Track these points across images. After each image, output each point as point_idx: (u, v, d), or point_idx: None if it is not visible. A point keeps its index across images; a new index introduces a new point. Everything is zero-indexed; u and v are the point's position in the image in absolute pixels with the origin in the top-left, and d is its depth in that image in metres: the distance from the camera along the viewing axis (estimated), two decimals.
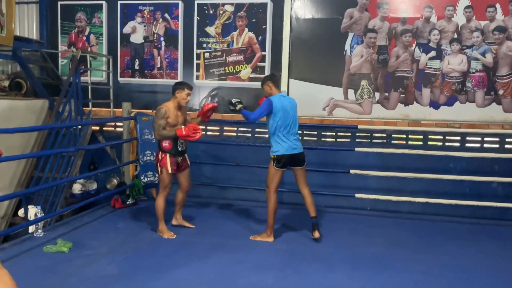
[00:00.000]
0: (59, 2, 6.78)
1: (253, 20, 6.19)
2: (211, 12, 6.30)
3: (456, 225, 5.18)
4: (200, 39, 6.36)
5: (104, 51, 6.69)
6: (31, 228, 4.39)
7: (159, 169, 4.40)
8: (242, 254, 3.99)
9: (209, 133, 6.37)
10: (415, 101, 5.81)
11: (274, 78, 4.42)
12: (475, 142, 5.70)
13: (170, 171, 4.35)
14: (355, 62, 5.91)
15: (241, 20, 6.21)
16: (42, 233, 4.33)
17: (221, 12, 6.28)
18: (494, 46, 5.59)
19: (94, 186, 6.39)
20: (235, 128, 6.27)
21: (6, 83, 6.36)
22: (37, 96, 6.17)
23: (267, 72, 6.14)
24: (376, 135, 5.90)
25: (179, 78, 6.44)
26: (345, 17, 5.89)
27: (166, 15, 6.46)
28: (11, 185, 5.58)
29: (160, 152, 4.39)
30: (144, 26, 6.54)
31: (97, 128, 6.55)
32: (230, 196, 6.10)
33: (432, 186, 5.51)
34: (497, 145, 5.63)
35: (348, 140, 5.97)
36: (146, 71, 6.57)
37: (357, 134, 5.90)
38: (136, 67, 6.60)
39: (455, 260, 4.03)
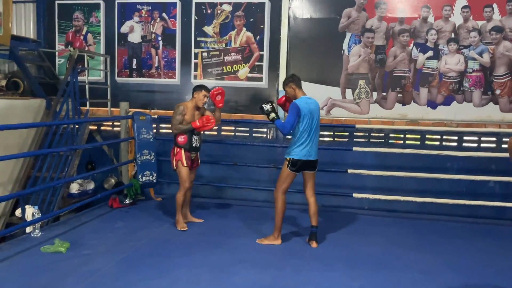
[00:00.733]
0: (57, 1, 6.76)
1: (251, 20, 6.19)
2: (209, 11, 6.30)
3: (453, 224, 5.20)
4: (198, 39, 6.36)
5: (102, 51, 6.68)
6: (29, 228, 4.38)
7: (174, 163, 4.64)
8: (240, 253, 3.99)
9: (207, 132, 6.36)
10: (412, 101, 5.83)
11: (296, 79, 4.18)
12: (472, 142, 5.72)
13: (185, 164, 4.58)
14: (352, 61, 5.92)
15: (239, 19, 6.21)
16: (40, 233, 4.32)
17: (219, 11, 6.27)
18: (491, 46, 5.61)
19: (92, 185, 6.37)
20: (233, 128, 6.27)
21: (3, 83, 6.33)
22: (35, 96, 6.14)
23: (265, 71, 6.15)
24: (373, 134, 5.92)
25: (177, 78, 6.44)
26: (343, 16, 5.90)
27: (164, 14, 6.45)
28: (8, 185, 5.55)
29: (176, 147, 4.63)
30: (142, 25, 6.53)
31: (95, 127, 6.54)
32: (228, 195, 6.11)
33: (430, 185, 5.53)
34: (494, 145, 5.65)
35: (346, 139, 5.99)
36: (143, 70, 6.56)
37: (354, 133, 5.92)
38: (134, 66, 6.59)
39: (453, 259, 4.04)
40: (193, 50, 6.38)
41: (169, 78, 6.48)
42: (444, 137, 5.78)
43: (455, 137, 5.75)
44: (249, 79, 6.23)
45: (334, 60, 5.95)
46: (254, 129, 6.16)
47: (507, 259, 4.10)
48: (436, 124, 5.71)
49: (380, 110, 5.90)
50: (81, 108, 6.07)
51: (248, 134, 6.22)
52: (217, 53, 6.32)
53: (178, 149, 4.61)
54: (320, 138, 6.03)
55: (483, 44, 5.63)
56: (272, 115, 4.19)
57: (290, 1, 6.01)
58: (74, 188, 6.09)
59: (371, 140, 5.92)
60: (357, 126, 5.65)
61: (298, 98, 4.14)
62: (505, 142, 5.61)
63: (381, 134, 5.90)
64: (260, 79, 6.20)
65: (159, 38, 6.49)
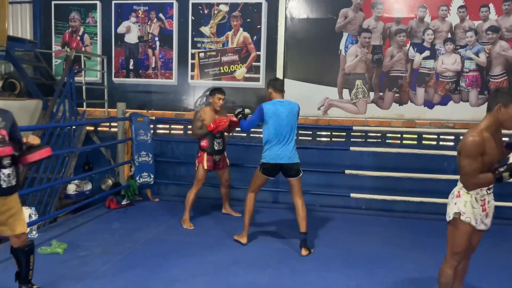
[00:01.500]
0: (53, 2, 6.75)
1: (248, 20, 6.19)
2: (206, 11, 6.29)
3: None
4: (195, 39, 6.36)
5: (98, 51, 6.67)
6: None
7: (196, 165, 4.91)
8: (237, 254, 4.00)
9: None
10: (409, 101, 5.84)
11: (275, 82, 4.18)
12: None
13: (205, 167, 4.82)
14: (349, 61, 5.92)
15: (236, 20, 6.21)
16: (37, 234, 4.31)
17: (215, 12, 6.27)
18: (488, 46, 5.63)
19: (89, 186, 6.37)
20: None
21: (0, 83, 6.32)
22: (31, 97, 6.14)
23: (262, 72, 6.15)
24: (371, 134, 5.92)
25: (174, 78, 6.44)
26: (339, 17, 5.91)
27: (161, 15, 6.44)
28: None
29: (199, 151, 4.91)
30: (139, 26, 6.52)
31: (92, 128, 6.53)
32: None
33: (427, 185, 5.53)
34: None
35: (343, 139, 5.99)
36: (140, 71, 6.55)
37: (352, 133, 5.92)
38: (131, 67, 6.58)
39: None
40: (190, 51, 6.37)
41: (166, 79, 6.47)
42: (441, 137, 5.79)
43: (452, 137, 5.76)
44: (246, 79, 6.23)
45: (331, 60, 5.96)
46: (252, 130, 6.15)
47: (504, 258, 4.12)
48: (433, 124, 5.73)
49: (377, 110, 5.90)
50: (78, 109, 6.06)
51: (245, 134, 6.22)
52: (214, 53, 6.32)
53: (201, 153, 4.88)
54: (318, 138, 6.06)
55: (480, 44, 5.64)
56: (239, 116, 4.36)
57: (287, 1, 6.02)
58: (71, 189, 6.08)
59: (368, 140, 5.93)
60: (354, 127, 5.65)
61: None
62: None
63: (378, 134, 5.91)
64: (257, 80, 6.21)
65: (156, 38, 6.49)
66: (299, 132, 6.07)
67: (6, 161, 2.70)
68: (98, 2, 6.61)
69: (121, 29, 6.58)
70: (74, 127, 5.88)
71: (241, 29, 6.22)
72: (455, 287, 2.92)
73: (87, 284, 3.26)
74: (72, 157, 5.76)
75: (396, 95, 5.86)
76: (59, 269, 3.55)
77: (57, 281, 3.34)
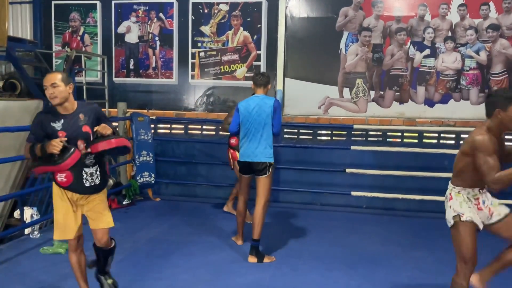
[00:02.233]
0: (53, 2, 6.74)
1: (248, 19, 6.19)
2: (206, 11, 6.29)
3: None
4: (195, 39, 6.35)
5: (99, 51, 6.67)
6: (28, 230, 4.38)
7: (232, 163, 4.91)
8: (239, 253, 4.00)
9: (205, 132, 6.37)
10: (410, 99, 5.84)
11: (255, 77, 3.98)
12: None
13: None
14: (350, 60, 5.92)
15: (236, 19, 6.21)
16: (39, 235, 4.32)
17: (216, 11, 6.27)
18: (488, 44, 5.62)
19: None
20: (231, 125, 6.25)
21: (0, 84, 6.32)
22: (32, 97, 6.13)
23: (263, 71, 6.14)
24: (371, 133, 5.92)
25: (174, 78, 6.44)
26: (340, 15, 5.91)
27: (161, 14, 6.44)
28: (6, 186, 5.54)
29: (229, 149, 4.90)
30: (139, 25, 6.52)
31: None
32: (226, 195, 6.09)
33: (428, 183, 5.53)
34: None
35: (344, 138, 5.99)
36: (141, 70, 6.55)
37: (352, 132, 5.92)
38: (131, 67, 6.58)
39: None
40: (191, 50, 6.37)
41: (166, 78, 6.47)
42: (442, 135, 5.79)
43: (453, 135, 5.76)
44: (246, 78, 6.22)
45: (332, 59, 5.96)
46: None
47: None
48: (433, 122, 5.73)
49: (378, 108, 5.90)
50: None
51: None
52: (214, 52, 6.32)
53: (231, 150, 4.87)
54: (318, 137, 6.06)
55: (480, 42, 5.64)
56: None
57: (287, 0, 6.01)
58: None
59: (369, 138, 5.93)
60: (354, 126, 5.65)
61: None
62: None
63: (379, 133, 5.91)
64: (252, 79, 6.18)
65: (156, 38, 6.48)
66: (300, 131, 6.08)
67: (88, 160, 2.68)
68: (98, 2, 6.61)
69: (121, 29, 6.57)
70: None
71: (241, 28, 6.22)
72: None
73: (89, 284, 3.26)
74: None
75: (396, 93, 5.86)
76: (62, 268, 3.55)
77: (60, 280, 3.35)
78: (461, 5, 5.62)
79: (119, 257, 3.81)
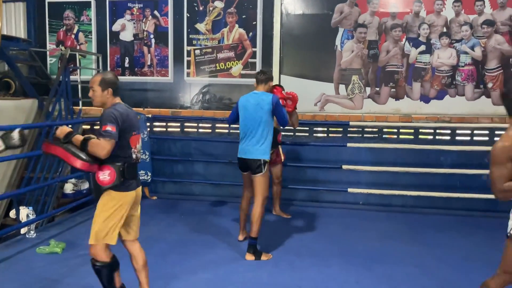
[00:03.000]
0: (47, 0, 6.69)
1: (243, 16, 6.17)
2: (201, 8, 6.27)
3: (447, 218, 5.24)
4: (190, 36, 6.33)
5: (93, 49, 6.63)
6: (24, 229, 4.36)
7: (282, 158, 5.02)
8: (237, 251, 4.00)
9: (201, 130, 6.36)
10: (405, 95, 5.85)
11: (256, 74, 4.03)
12: (465, 135, 5.76)
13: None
14: (345, 57, 5.92)
15: (231, 16, 6.19)
16: (35, 234, 4.30)
17: (211, 8, 6.25)
18: (483, 40, 5.64)
19: (86, 185, 6.33)
20: (227, 125, 6.26)
21: None
22: (26, 96, 6.10)
23: (258, 68, 6.13)
24: (367, 129, 5.93)
25: (170, 76, 6.42)
26: (335, 12, 5.90)
27: (156, 12, 6.41)
28: (1, 186, 5.51)
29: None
30: (134, 23, 6.49)
31: (88, 127, 6.50)
32: (223, 193, 6.11)
33: (424, 179, 5.56)
34: (486, 138, 5.69)
35: (340, 135, 6.00)
36: (136, 69, 6.52)
37: (349, 129, 5.93)
38: (126, 65, 6.55)
39: (447, 252, 4.08)
40: (186, 48, 6.35)
41: (162, 76, 6.45)
42: (438, 131, 5.81)
43: (448, 131, 5.78)
44: (242, 76, 6.22)
45: (327, 56, 5.96)
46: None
47: (499, 250, 4.14)
48: (429, 118, 5.74)
49: (374, 105, 5.91)
50: (74, 107, 6.03)
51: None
52: (210, 50, 6.30)
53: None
54: (315, 134, 6.07)
55: (475, 37, 5.65)
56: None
57: None
58: (69, 188, 6.05)
59: (365, 135, 5.94)
60: (351, 122, 5.66)
61: None
62: (498, 136, 5.65)
63: (375, 129, 5.92)
64: (254, 76, 6.18)
65: (151, 36, 6.46)
66: (296, 128, 6.06)
67: None
68: (92, 0, 6.57)
69: (116, 26, 6.54)
70: (70, 125, 5.85)
71: (236, 25, 6.20)
72: None
73: (88, 283, 3.25)
74: None
75: (392, 90, 5.87)
76: (59, 268, 3.55)
77: (57, 280, 3.34)
78: (456, 1, 5.63)
79: (117, 256, 3.80)
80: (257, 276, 3.48)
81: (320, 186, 5.82)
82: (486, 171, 5.61)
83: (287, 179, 5.51)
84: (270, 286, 3.33)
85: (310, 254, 3.98)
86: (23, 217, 4.53)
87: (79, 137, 2.60)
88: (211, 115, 6.16)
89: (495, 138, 5.65)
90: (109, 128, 2.54)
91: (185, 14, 6.32)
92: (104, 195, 2.66)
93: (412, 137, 5.86)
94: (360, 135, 5.94)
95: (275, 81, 5.99)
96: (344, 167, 5.49)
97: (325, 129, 6.07)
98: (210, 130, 6.32)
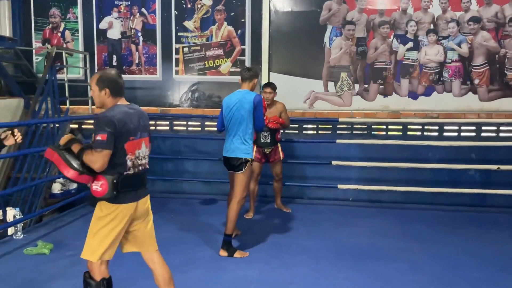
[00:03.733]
0: None
1: (232, 14, 6.15)
2: (189, 6, 6.23)
3: (436, 213, 5.29)
4: (179, 34, 6.29)
5: (80, 48, 6.55)
6: (10, 230, 4.29)
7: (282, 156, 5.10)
8: None
9: (190, 128, 6.33)
10: (394, 92, 5.89)
11: (241, 71, 3.99)
12: (452, 131, 5.82)
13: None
14: (334, 54, 5.94)
15: (220, 13, 6.17)
16: (22, 235, 4.24)
17: (199, 6, 6.21)
18: (469, 37, 5.70)
19: (75, 185, 6.26)
20: (217, 123, 6.23)
21: None
22: (12, 95, 6.01)
23: (247, 65, 6.12)
24: (356, 126, 5.96)
25: (158, 74, 6.37)
26: (323, 9, 5.91)
27: (143, 9, 6.36)
28: None
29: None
30: (121, 21, 6.43)
31: (76, 126, 6.43)
32: (213, 191, 6.09)
33: (412, 175, 5.61)
34: (473, 134, 5.76)
35: (330, 132, 6.02)
36: (124, 67, 6.46)
37: (338, 126, 5.95)
38: (114, 63, 6.48)
39: (437, 247, 4.12)
40: (174, 46, 6.31)
41: (150, 74, 6.40)
42: (426, 127, 5.86)
43: (436, 127, 5.83)
44: (231, 73, 6.20)
45: (316, 53, 5.97)
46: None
47: (490, 244, 4.20)
48: (417, 115, 5.79)
49: (363, 102, 5.94)
50: (61, 106, 5.95)
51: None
52: (198, 48, 6.27)
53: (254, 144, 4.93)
54: (304, 131, 6.08)
55: (462, 34, 5.71)
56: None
57: None
58: (56, 188, 5.98)
59: (354, 132, 5.97)
60: (340, 119, 5.68)
61: None
62: (485, 131, 5.72)
63: (364, 126, 5.95)
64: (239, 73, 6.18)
65: (139, 33, 6.40)
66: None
67: None
68: None
69: (103, 24, 6.47)
70: (57, 125, 5.78)
71: (225, 23, 6.18)
72: None
73: (76, 284, 3.20)
74: None
75: (380, 86, 5.91)
76: (47, 269, 3.50)
77: (45, 281, 3.29)
78: None
79: None
80: (248, 274, 3.47)
81: (310, 183, 5.84)
82: (474, 166, 5.72)
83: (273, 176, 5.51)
84: (261, 283, 3.33)
85: (301, 251, 3.98)
86: (9, 218, 4.46)
87: (78, 146, 2.44)
88: (200, 113, 6.14)
89: (482, 134, 5.72)
90: (99, 137, 2.31)
91: (173, 12, 6.27)
92: (98, 205, 2.47)
93: (400, 133, 5.90)
94: (349, 132, 5.97)
95: (265, 79, 6.01)
96: (334, 162, 5.51)
97: (315, 126, 6.09)
98: (200, 128, 6.29)
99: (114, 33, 6.46)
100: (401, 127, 5.90)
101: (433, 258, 3.84)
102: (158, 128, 6.39)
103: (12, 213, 4.44)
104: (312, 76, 6.00)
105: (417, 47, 5.80)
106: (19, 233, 4.23)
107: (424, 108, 5.81)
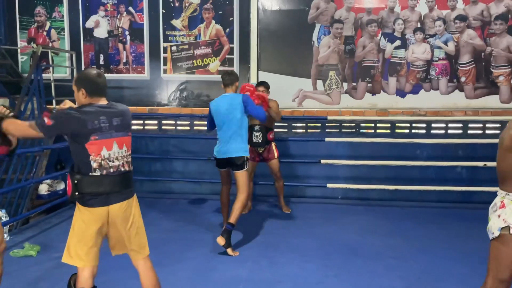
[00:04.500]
0: None
1: (220, 12, 6.12)
2: (177, 4, 6.19)
3: (424, 210, 5.34)
4: (167, 32, 6.25)
5: (67, 47, 6.47)
6: None
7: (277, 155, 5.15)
8: (216, 249, 3.97)
9: (179, 127, 6.29)
10: (382, 90, 5.93)
11: (223, 76, 4.16)
12: (439, 129, 5.87)
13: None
14: (322, 53, 5.95)
15: (208, 12, 6.14)
16: (8, 237, 4.18)
17: (187, 4, 6.18)
18: (456, 35, 5.75)
19: (62, 186, 6.20)
20: (206, 122, 6.19)
21: None
22: None
23: (236, 64, 6.12)
24: (345, 124, 5.99)
25: (146, 73, 6.32)
26: (311, 8, 5.92)
27: (130, 8, 6.30)
28: None
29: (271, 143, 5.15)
30: (108, 20, 6.36)
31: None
32: (202, 190, 6.07)
33: (400, 173, 5.65)
34: (460, 131, 5.82)
35: (318, 130, 6.04)
36: (111, 66, 6.40)
37: (327, 124, 5.98)
38: (101, 62, 6.42)
39: (425, 244, 4.16)
40: (162, 44, 6.26)
41: (138, 74, 6.35)
42: (413, 125, 5.90)
43: (424, 125, 5.88)
44: (220, 72, 6.15)
45: (305, 52, 5.97)
46: None
47: (477, 241, 4.25)
48: (405, 113, 5.83)
49: (351, 100, 5.97)
50: (47, 106, 5.88)
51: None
52: (186, 46, 6.23)
53: (274, 145, 5.13)
54: (293, 130, 6.09)
55: (448, 33, 5.76)
56: None
57: None
58: (44, 189, 5.91)
59: (343, 130, 6.00)
60: (328, 117, 5.70)
61: None
62: (471, 128, 5.79)
63: (352, 124, 5.98)
64: (221, 79, 6.14)
65: (126, 32, 6.34)
66: (274, 124, 6.07)
67: None
68: None
69: (90, 23, 6.40)
70: None
71: (213, 21, 6.15)
72: None
73: (63, 287, 3.18)
74: (43, 156, 5.59)
75: (369, 85, 5.93)
76: (34, 272, 3.46)
77: (32, 284, 3.26)
78: None
79: None
80: (237, 273, 3.47)
81: (299, 182, 5.85)
82: (461, 163, 5.77)
83: (266, 175, 5.51)
84: (250, 282, 3.33)
85: (290, 249, 3.99)
86: None
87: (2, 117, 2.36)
88: (189, 112, 6.11)
89: (469, 131, 5.79)
90: (45, 119, 2.24)
91: (161, 10, 6.23)
92: (76, 207, 2.39)
93: (388, 131, 5.94)
94: (338, 130, 5.99)
95: (253, 78, 6.00)
96: (323, 161, 5.53)
97: (304, 124, 6.10)
98: (189, 128, 6.26)
99: (101, 32, 6.39)
100: (389, 125, 5.94)
101: (420, 254, 3.88)
102: (146, 127, 6.35)
103: None
104: (301, 75, 6.01)
105: (404, 45, 5.83)
106: (5, 235, 4.17)
107: (412, 106, 5.85)
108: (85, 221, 2.35)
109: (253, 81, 5.95)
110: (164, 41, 6.26)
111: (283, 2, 5.99)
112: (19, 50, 6.57)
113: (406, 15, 5.79)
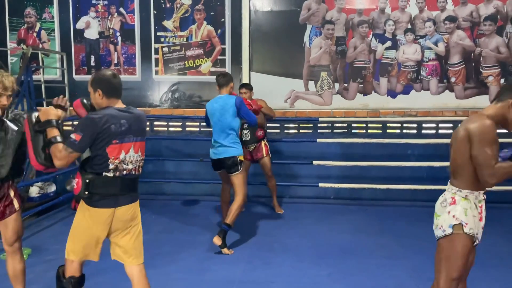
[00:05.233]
0: None
1: (212, 13, 6.12)
2: (168, 5, 6.17)
3: (415, 209, 5.38)
4: (158, 33, 6.23)
5: (57, 48, 6.42)
6: None
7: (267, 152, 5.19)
8: (210, 250, 3.98)
9: (171, 129, 6.28)
10: (373, 91, 5.96)
11: (217, 78, 4.19)
12: (430, 129, 5.92)
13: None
14: (314, 53, 5.98)
15: (199, 13, 6.13)
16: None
17: (178, 5, 6.16)
18: (446, 36, 5.81)
19: (53, 188, 6.14)
20: (198, 123, 6.21)
21: None
22: None
23: (228, 65, 6.11)
24: (337, 125, 6.02)
25: (138, 74, 6.30)
26: (303, 9, 5.94)
27: (121, 9, 6.27)
28: None
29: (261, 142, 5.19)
30: (99, 21, 6.33)
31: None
32: (195, 191, 6.06)
33: (392, 172, 5.68)
34: (450, 131, 5.87)
35: (311, 131, 6.06)
36: (102, 67, 6.36)
37: (318, 124, 6.00)
38: (92, 63, 6.38)
39: (417, 243, 4.18)
40: (153, 45, 6.24)
41: (129, 75, 6.32)
42: (404, 125, 5.95)
43: (415, 125, 5.93)
44: (212, 73, 6.16)
45: (296, 53, 5.99)
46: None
47: None
48: (396, 113, 5.87)
49: (343, 101, 5.99)
50: (38, 108, 5.83)
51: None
52: (178, 47, 6.22)
53: (264, 143, 5.19)
54: (285, 131, 6.10)
55: (438, 33, 5.81)
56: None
57: None
58: (34, 191, 5.84)
59: (335, 130, 6.02)
60: (320, 118, 5.72)
61: None
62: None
63: (344, 125, 6.01)
64: (215, 80, 6.14)
65: (118, 33, 6.32)
66: (267, 124, 6.08)
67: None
68: None
69: (80, 24, 6.36)
70: None
71: (205, 22, 6.15)
72: None
73: None
74: None
75: (360, 85, 5.97)
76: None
77: None
78: None
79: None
80: (231, 274, 3.47)
81: (292, 182, 5.86)
82: None
83: (259, 175, 5.52)
84: (244, 283, 3.33)
85: (283, 249, 4.00)
86: None
87: (54, 132, 2.34)
88: (181, 113, 6.09)
89: None
90: (73, 137, 2.25)
91: (152, 11, 6.21)
92: (80, 203, 2.42)
93: (380, 131, 5.98)
94: (330, 131, 6.02)
95: (245, 79, 6.00)
96: (315, 162, 5.54)
97: (296, 125, 6.12)
98: (181, 129, 6.25)
99: (91, 33, 6.36)
100: (380, 125, 5.98)
101: (412, 253, 3.90)
102: None
103: None
104: (293, 76, 6.03)
105: (395, 46, 5.88)
106: None
107: (403, 106, 5.89)
108: (88, 219, 2.38)
109: (245, 81, 5.95)
110: (155, 42, 6.24)
111: (274, 3, 6.01)
112: (8, 52, 6.51)
113: (396, 16, 5.84)
